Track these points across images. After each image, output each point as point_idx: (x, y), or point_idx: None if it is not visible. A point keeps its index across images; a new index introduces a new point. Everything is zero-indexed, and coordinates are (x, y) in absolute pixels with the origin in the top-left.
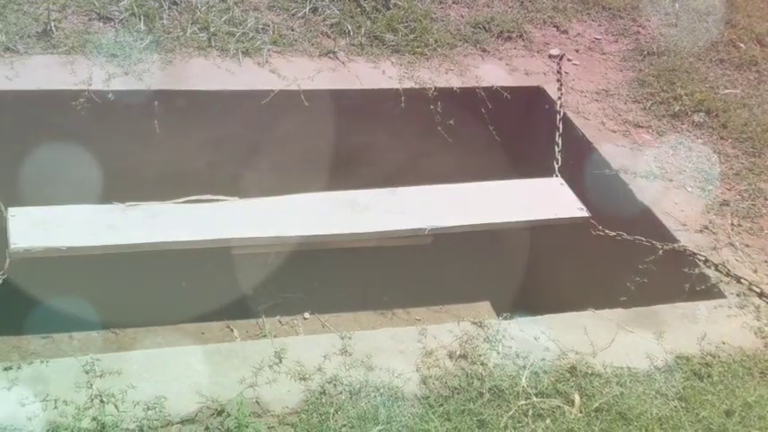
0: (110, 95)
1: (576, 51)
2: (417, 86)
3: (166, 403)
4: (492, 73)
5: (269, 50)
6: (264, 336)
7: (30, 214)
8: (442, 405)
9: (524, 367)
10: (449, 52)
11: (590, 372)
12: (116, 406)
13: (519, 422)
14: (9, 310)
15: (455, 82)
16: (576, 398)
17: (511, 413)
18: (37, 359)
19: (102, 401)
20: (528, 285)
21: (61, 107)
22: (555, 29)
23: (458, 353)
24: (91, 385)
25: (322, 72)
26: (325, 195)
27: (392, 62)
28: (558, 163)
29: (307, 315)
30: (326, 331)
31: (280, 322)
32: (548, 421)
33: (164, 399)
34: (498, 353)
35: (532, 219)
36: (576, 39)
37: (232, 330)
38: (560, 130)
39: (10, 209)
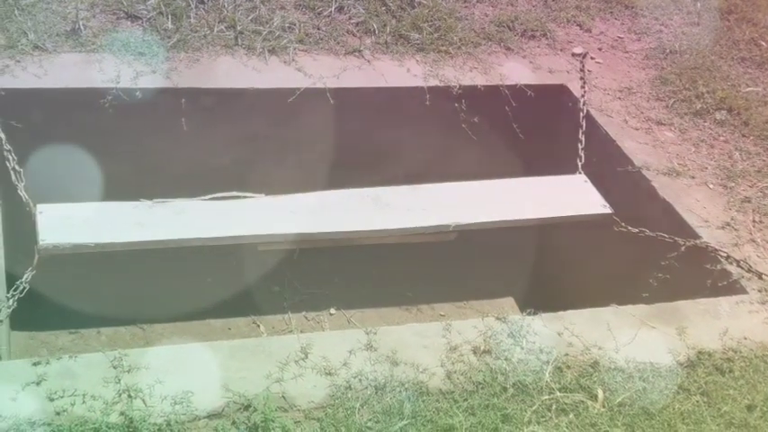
0: (137, 93)
1: (600, 50)
2: (442, 84)
3: (193, 398)
4: (516, 71)
5: (295, 49)
6: (290, 331)
7: (58, 211)
8: (466, 400)
9: (548, 362)
10: (473, 50)
11: (613, 367)
12: (144, 401)
13: (542, 417)
14: (38, 306)
15: (479, 80)
16: (600, 393)
17: (534, 408)
18: (65, 354)
19: (129, 396)
20: (551, 281)
21: (89, 105)
22: (578, 27)
23: (482, 348)
24: (119, 380)
25: (348, 70)
26: (350, 192)
27: (417, 60)
28: (581, 160)
29: (332, 311)
30: (352, 327)
31: (305, 318)
32: (571, 416)
33: (191, 393)
34: (522, 348)
35: (556, 215)
36: (600, 37)
37: (258, 326)
38: (584, 128)
39: (38, 205)
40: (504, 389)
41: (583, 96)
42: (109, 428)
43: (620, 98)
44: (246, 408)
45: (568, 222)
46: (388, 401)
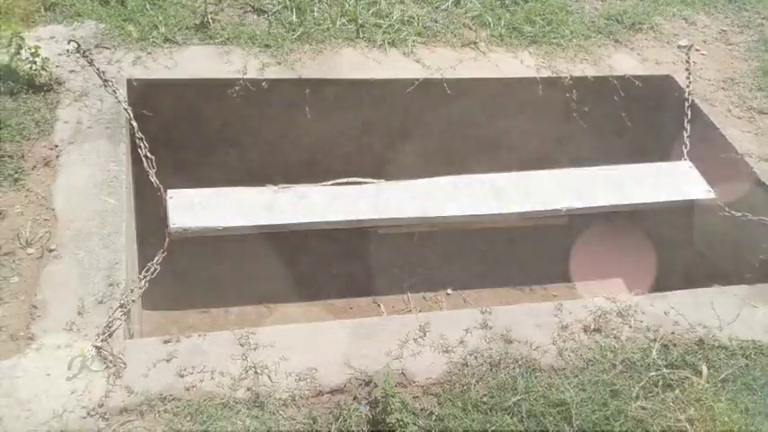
0: (264, 84)
1: (704, 42)
2: (554, 75)
3: (317, 374)
4: (624, 62)
5: (413, 41)
6: (409, 310)
7: (187, 196)
8: (577, 376)
9: (655, 340)
10: (583, 43)
11: (717, 345)
12: (269, 377)
13: (650, 392)
14: (169, 286)
15: (589, 71)
16: (704, 369)
17: (642, 383)
18: (195, 332)
19: (256, 372)
20: (658, 262)
21: (218, 95)
22: (683, 21)
23: (592, 327)
24: (246, 357)
25: (464, 62)
26: (466, 178)
27: (530, 52)
28: (686, 147)
29: (449, 291)
30: (468, 306)
31: (424, 298)
32: (677, 391)
33: (314, 370)
34: (630, 327)
35: (662, 200)
36: (704, 30)
37: (379, 305)
38: (689, 117)
39: (169, 191)
40: (613, 365)
41: (688, 86)
42: (236, 403)
43: (723, 88)
44: (367, 384)
45: (674, 207)
46: (502, 377)
